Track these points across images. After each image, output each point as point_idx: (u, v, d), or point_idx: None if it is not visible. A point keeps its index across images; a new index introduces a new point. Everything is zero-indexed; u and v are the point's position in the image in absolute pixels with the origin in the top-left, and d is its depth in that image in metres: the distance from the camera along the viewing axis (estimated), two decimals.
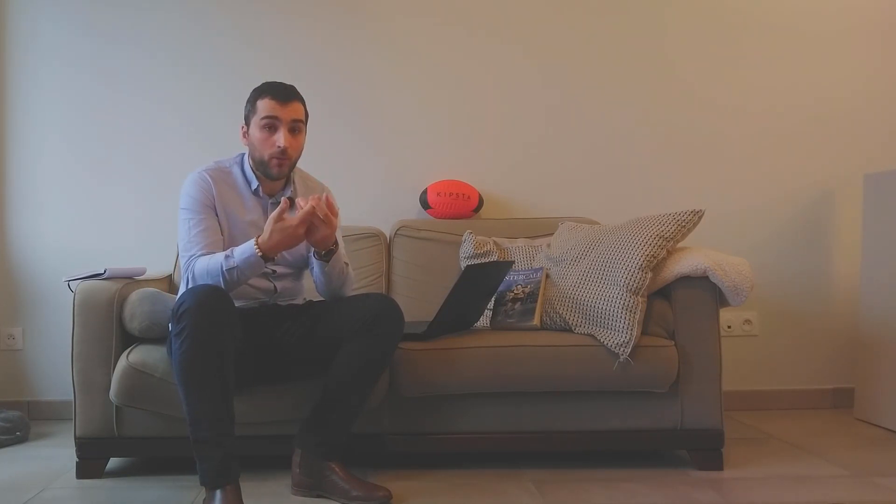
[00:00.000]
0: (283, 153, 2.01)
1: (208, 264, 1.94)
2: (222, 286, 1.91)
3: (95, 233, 2.99)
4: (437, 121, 3.07)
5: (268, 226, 1.89)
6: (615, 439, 2.25)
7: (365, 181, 3.05)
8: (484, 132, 3.08)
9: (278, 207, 1.88)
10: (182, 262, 2.01)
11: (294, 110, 2.03)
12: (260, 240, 1.89)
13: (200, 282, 1.93)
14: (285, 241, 1.89)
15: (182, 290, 1.98)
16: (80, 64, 3.00)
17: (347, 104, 3.05)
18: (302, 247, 2.17)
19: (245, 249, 1.91)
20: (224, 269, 1.91)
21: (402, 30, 3.06)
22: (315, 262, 2.08)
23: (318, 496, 2.00)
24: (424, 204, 2.94)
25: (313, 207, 1.88)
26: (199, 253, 1.97)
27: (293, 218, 1.88)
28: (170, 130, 3.01)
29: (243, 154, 2.15)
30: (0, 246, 3.00)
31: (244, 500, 1.81)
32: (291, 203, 1.92)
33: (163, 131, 3.01)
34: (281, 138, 2.00)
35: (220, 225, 2.05)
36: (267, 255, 1.90)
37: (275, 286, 2.13)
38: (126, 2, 3.00)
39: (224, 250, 1.97)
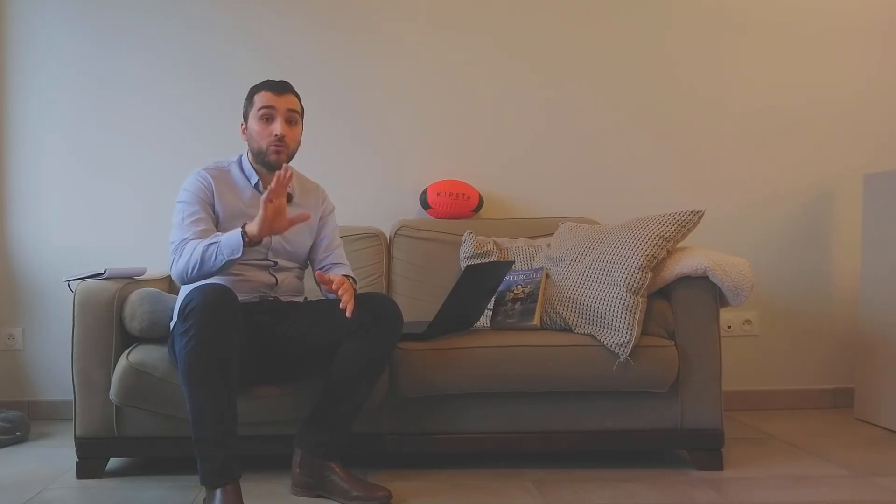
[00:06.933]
0: (280, 141, 2.06)
1: (196, 244, 1.95)
2: (196, 266, 1.92)
3: (95, 233, 2.99)
4: (437, 121, 3.07)
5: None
6: (615, 439, 2.25)
7: (365, 181, 3.05)
8: (484, 132, 3.08)
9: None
10: (172, 246, 2.00)
11: (289, 101, 2.10)
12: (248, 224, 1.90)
13: (182, 261, 1.95)
14: (270, 216, 1.86)
15: (171, 270, 2.00)
16: (80, 64, 3.00)
17: (347, 104, 3.05)
18: (304, 241, 2.22)
19: (233, 231, 1.91)
20: (205, 244, 1.92)
21: (401, 31, 3.06)
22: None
23: (319, 496, 2.00)
24: (424, 204, 2.94)
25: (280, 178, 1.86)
26: (192, 237, 1.98)
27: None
28: (170, 130, 3.01)
29: (241, 154, 2.20)
30: (0, 246, 3.01)
31: (244, 500, 1.81)
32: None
33: (163, 131, 3.01)
34: (278, 127, 2.06)
35: (216, 223, 2.07)
36: (250, 234, 1.87)
37: (276, 279, 2.14)
38: (126, 3, 3.00)
39: None
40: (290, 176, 1.88)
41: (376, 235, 2.81)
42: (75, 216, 3.00)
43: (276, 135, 2.06)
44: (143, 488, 2.11)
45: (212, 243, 1.92)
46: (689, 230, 2.26)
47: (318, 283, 2.18)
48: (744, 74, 3.10)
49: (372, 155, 3.06)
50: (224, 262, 1.91)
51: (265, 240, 2.10)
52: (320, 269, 2.23)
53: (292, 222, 1.93)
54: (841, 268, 3.10)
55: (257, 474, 2.15)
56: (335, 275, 2.05)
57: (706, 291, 2.22)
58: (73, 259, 2.96)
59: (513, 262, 2.44)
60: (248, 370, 1.99)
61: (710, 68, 3.10)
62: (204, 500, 1.82)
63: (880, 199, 2.77)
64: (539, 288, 2.39)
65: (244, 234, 1.88)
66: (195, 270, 1.93)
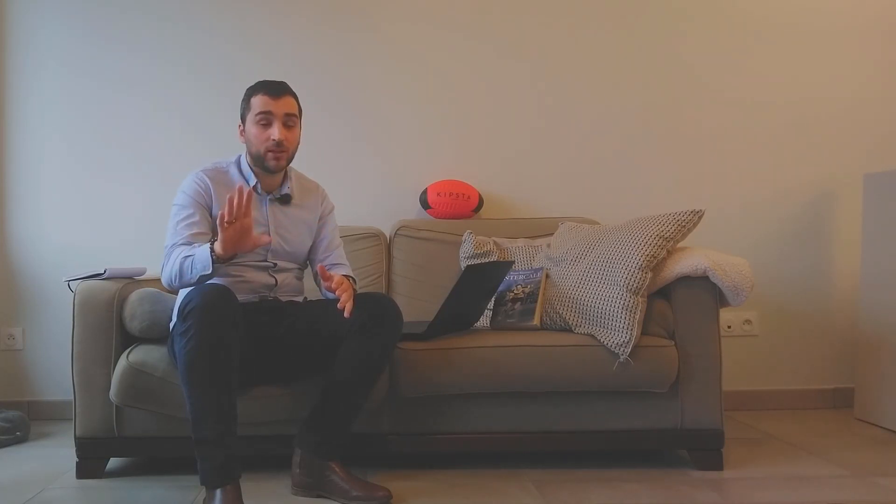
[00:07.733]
0: (278, 146, 2.05)
1: (179, 252, 1.94)
2: (177, 277, 1.93)
3: (96, 233, 2.99)
4: (437, 121, 3.07)
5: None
6: (615, 439, 2.25)
7: (365, 181, 3.05)
8: (484, 132, 3.08)
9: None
10: (164, 251, 2.02)
11: (287, 104, 2.08)
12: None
13: (167, 269, 1.97)
14: (231, 238, 1.82)
15: (161, 275, 2.01)
16: (80, 65, 2.99)
17: (347, 105, 3.05)
18: (303, 242, 2.22)
19: (204, 247, 1.89)
20: (182, 255, 1.92)
21: (401, 31, 3.06)
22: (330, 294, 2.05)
23: (319, 496, 2.00)
24: (424, 204, 2.94)
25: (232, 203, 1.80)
26: (181, 243, 1.99)
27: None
28: (169, 131, 3.01)
29: (240, 155, 2.20)
30: (0, 246, 3.00)
31: (244, 500, 1.81)
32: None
33: (162, 132, 3.01)
34: (276, 132, 2.05)
35: (212, 226, 2.06)
36: (217, 254, 1.84)
37: (275, 279, 2.15)
38: (126, 4, 3.00)
39: None
40: (248, 198, 1.79)
41: (376, 235, 2.81)
42: (75, 216, 3.00)
43: (275, 139, 2.04)
44: (143, 488, 2.11)
45: (188, 256, 1.91)
46: (689, 230, 2.26)
47: (316, 280, 2.18)
48: (744, 74, 3.10)
49: (372, 155, 3.06)
50: (199, 276, 1.89)
51: (264, 240, 2.10)
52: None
53: (255, 244, 1.89)
54: (841, 268, 3.10)
55: (257, 474, 2.15)
56: (335, 273, 2.05)
57: (706, 291, 2.22)
58: (73, 259, 2.95)
59: (513, 262, 2.44)
60: (248, 370, 1.99)
61: (710, 68, 3.10)
62: (204, 500, 1.82)
63: (880, 199, 2.77)
64: (539, 288, 2.39)
65: (212, 251, 1.85)
66: (177, 280, 1.95)
